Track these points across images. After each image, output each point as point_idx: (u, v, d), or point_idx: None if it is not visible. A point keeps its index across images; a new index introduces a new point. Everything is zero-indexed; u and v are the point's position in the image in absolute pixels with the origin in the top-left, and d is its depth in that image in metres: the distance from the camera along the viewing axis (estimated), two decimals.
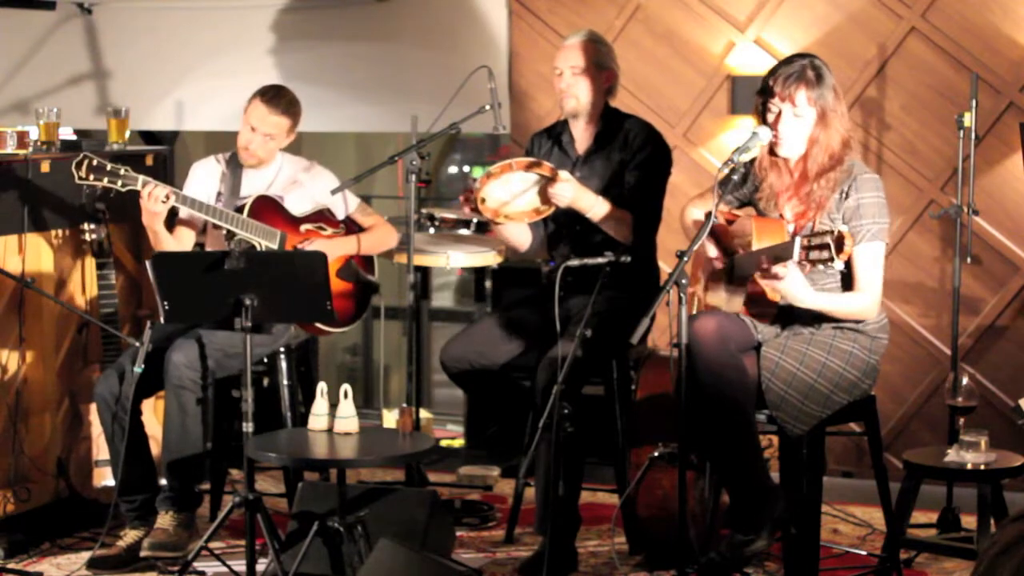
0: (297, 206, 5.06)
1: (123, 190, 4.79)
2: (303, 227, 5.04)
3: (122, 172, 4.76)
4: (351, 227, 5.17)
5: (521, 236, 5.00)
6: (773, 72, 4.21)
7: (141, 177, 4.78)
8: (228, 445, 5.02)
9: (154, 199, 4.75)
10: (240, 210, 4.92)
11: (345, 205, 5.15)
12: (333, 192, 5.03)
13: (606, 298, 4.60)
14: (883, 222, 4.17)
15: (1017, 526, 1.99)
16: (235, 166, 5.07)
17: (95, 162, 4.74)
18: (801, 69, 4.18)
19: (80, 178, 4.75)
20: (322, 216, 5.10)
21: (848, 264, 4.11)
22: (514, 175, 4.66)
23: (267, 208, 4.97)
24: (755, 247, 4.10)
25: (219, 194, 5.05)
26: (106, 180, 4.76)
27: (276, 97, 4.99)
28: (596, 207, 4.71)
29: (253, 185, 5.05)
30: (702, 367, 4.07)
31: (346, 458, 4.31)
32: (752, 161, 4.30)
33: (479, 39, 6.21)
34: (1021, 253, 5.65)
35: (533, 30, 6.28)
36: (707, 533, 4.55)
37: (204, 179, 5.08)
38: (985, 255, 5.66)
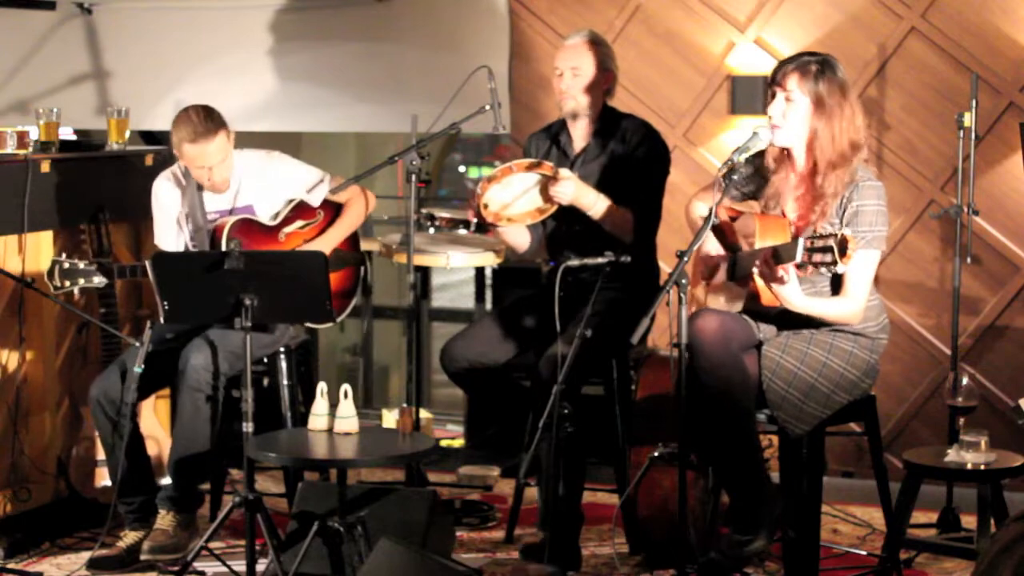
0: (269, 208, 5.00)
1: (100, 287, 4.81)
2: (282, 233, 5.00)
3: (95, 268, 4.75)
4: (328, 208, 5.11)
5: (520, 237, 5.01)
6: (779, 63, 4.28)
7: (116, 266, 4.80)
8: (228, 445, 5.01)
9: None
10: (216, 232, 4.87)
11: (316, 192, 5.05)
12: (333, 192, 5.02)
13: (606, 298, 4.60)
14: (880, 230, 4.16)
15: (1018, 525, 2.00)
16: (192, 186, 4.94)
17: (67, 265, 4.72)
18: (802, 60, 4.20)
19: (55, 288, 4.73)
20: (299, 211, 5.04)
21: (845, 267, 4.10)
22: (515, 177, 4.66)
23: (244, 229, 4.90)
24: (758, 245, 4.09)
25: (187, 215, 4.96)
26: (82, 281, 4.75)
27: (193, 130, 4.76)
28: (598, 205, 4.71)
29: (217, 197, 4.96)
30: (704, 366, 4.07)
31: (346, 458, 4.31)
32: (761, 155, 4.29)
33: (479, 39, 6.21)
34: (1021, 253, 5.65)
35: (533, 30, 6.28)
36: (707, 533, 4.55)
37: (168, 201, 4.98)
38: (985, 255, 5.66)
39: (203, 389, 4.71)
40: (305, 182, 5.04)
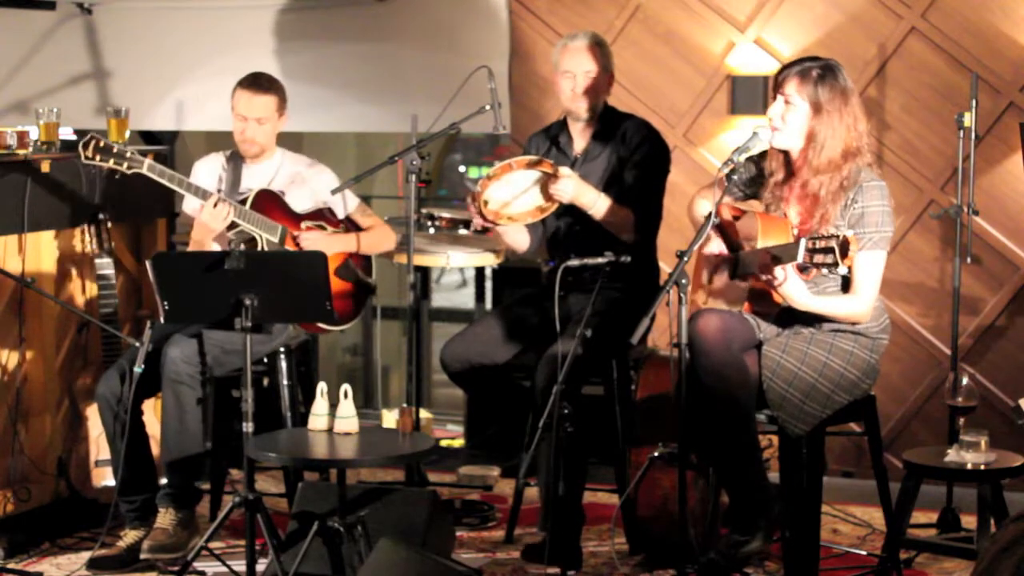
0: (299, 203, 5.07)
1: (129, 172, 4.79)
2: (303, 223, 5.05)
3: (128, 155, 4.77)
4: (350, 227, 5.18)
5: (519, 238, 5.01)
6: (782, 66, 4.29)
7: (148, 161, 4.78)
8: (228, 445, 5.02)
9: (216, 217, 4.77)
10: (242, 203, 4.93)
11: (344, 204, 5.16)
12: (333, 192, 5.04)
13: (606, 298, 4.60)
14: (886, 231, 4.17)
15: (1018, 525, 2.00)
16: (236, 162, 5.08)
17: (102, 143, 4.76)
18: (805, 66, 4.20)
19: (87, 158, 4.75)
20: (322, 215, 5.11)
21: (847, 268, 4.10)
22: (515, 174, 4.66)
23: (268, 202, 4.98)
24: (760, 245, 4.09)
25: (219, 190, 5.06)
26: (112, 162, 4.77)
27: (255, 81, 5.02)
28: (598, 204, 4.72)
29: (253, 180, 5.07)
30: (705, 366, 4.07)
31: (346, 458, 4.31)
32: (764, 156, 4.29)
33: (479, 39, 6.21)
34: (1021, 253, 5.65)
35: (533, 30, 6.28)
36: (707, 533, 4.55)
37: (206, 177, 5.10)
38: (985, 255, 5.66)
39: (182, 381, 4.72)
40: (318, 177, 5.09)
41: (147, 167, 4.78)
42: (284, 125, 5.09)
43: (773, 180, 4.28)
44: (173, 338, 4.78)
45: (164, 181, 4.82)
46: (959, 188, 5.27)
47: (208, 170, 5.12)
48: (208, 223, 4.80)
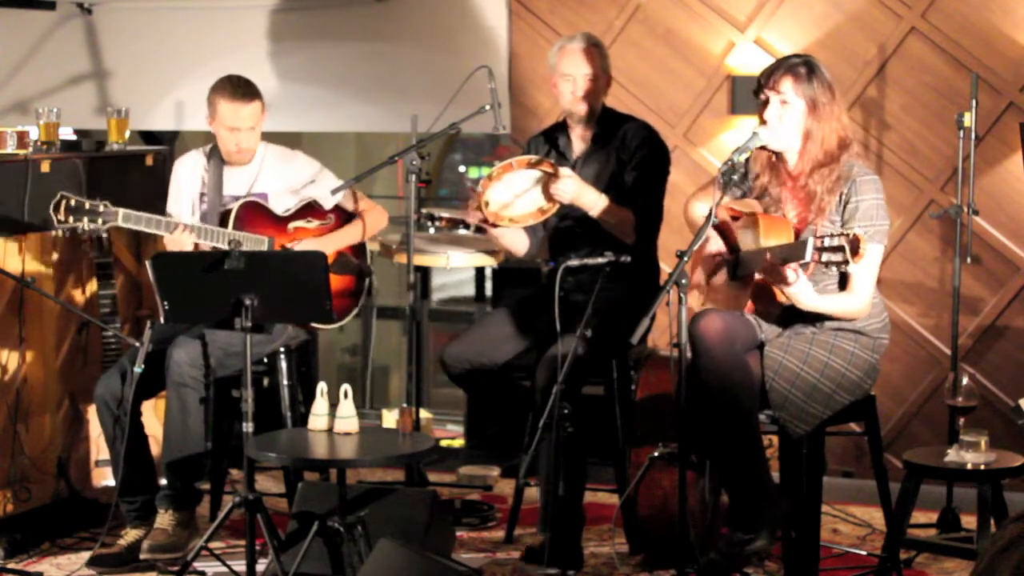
0: (283, 202, 5.04)
1: (104, 228, 4.78)
2: (290, 226, 5.02)
3: (101, 209, 4.74)
4: (339, 214, 5.15)
5: (518, 241, 5.01)
6: (766, 68, 4.27)
7: (122, 211, 4.75)
8: (228, 445, 5.02)
9: (178, 243, 4.78)
10: (226, 214, 4.90)
11: (333, 193, 5.11)
12: (334, 192, 5.03)
13: (606, 298, 4.60)
14: (881, 224, 4.17)
15: (1018, 525, 2.00)
16: (217, 161, 5.03)
17: (73, 202, 4.73)
18: (790, 63, 4.22)
19: (59, 221, 4.73)
20: (309, 210, 5.06)
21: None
22: (515, 174, 4.66)
23: (252, 212, 4.94)
24: (762, 244, 4.09)
25: (202, 194, 5.03)
26: (86, 221, 4.74)
27: (239, 90, 4.95)
28: (598, 204, 4.72)
29: (236, 181, 5.03)
30: (708, 367, 4.07)
31: (346, 458, 4.31)
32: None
33: (479, 39, 6.21)
34: (1021, 253, 5.65)
35: (533, 30, 6.27)
36: (707, 533, 4.55)
37: (188, 178, 5.06)
38: (985, 255, 5.66)
39: (187, 383, 4.72)
40: (322, 184, 5.06)
41: (122, 217, 4.77)
42: (263, 122, 5.05)
43: (760, 183, 4.29)
44: (177, 340, 4.77)
45: (141, 227, 4.82)
46: (959, 188, 5.27)
47: (190, 169, 5.07)
48: (172, 244, 4.82)
